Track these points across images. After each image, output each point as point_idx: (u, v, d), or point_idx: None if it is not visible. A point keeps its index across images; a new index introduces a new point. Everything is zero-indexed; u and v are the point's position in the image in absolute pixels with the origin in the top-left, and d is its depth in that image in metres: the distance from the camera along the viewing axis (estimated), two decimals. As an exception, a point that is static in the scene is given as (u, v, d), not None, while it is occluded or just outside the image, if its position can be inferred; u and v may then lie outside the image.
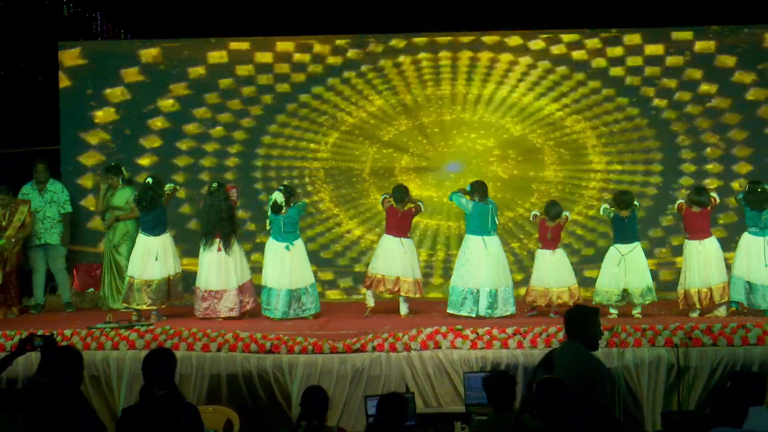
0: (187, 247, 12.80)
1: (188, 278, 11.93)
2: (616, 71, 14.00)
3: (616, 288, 11.02)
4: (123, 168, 12.78)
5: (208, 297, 11.29)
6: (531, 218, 11.88)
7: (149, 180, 11.48)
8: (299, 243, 11.42)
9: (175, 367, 6.24)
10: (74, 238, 13.64)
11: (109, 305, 12.25)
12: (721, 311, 10.90)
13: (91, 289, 13.04)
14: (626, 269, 11.05)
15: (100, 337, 9.31)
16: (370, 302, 11.58)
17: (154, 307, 11.22)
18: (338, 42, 14.19)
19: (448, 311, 11.10)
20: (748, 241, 11.18)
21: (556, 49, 14.03)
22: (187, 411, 5.91)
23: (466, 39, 14.15)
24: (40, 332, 7.52)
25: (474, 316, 10.93)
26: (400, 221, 11.65)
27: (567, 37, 14.09)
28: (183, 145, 14.12)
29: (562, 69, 14.05)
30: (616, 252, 11.18)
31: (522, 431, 5.84)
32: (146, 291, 11.19)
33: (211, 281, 11.31)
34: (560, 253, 11.44)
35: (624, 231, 11.23)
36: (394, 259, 11.50)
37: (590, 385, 5.86)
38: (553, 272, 11.24)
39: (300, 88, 14.19)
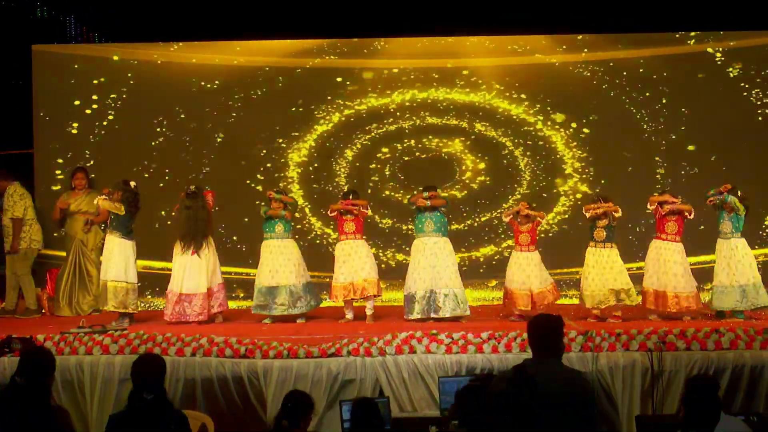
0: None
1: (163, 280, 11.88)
2: (591, 75, 14.09)
3: (604, 288, 11.06)
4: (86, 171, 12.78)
5: (180, 300, 11.22)
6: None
7: (133, 184, 11.42)
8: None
9: (165, 372, 6.20)
10: (47, 243, 13.55)
11: (60, 312, 12.22)
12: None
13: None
14: (604, 270, 11.12)
15: (73, 342, 9.22)
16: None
17: (120, 310, 11.17)
18: (309, 45, 14.24)
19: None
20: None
21: (529, 53, 14.16)
22: (175, 417, 5.87)
23: (436, 43, 14.23)
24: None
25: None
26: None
27: (540, 42, 14.20)
28: (156, 149, 14.09)
29: (534, 73, 14.14)
30: (591, 252, 11.26)
31: None
32: (124, 294, 11.15)
33: (184, 284, 11.26)
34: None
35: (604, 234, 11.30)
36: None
37: (583, 406, 5.72)
38: (538, 271, 11.36)
39: (274, 91, 14.20)
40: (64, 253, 13.01)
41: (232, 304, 13.26)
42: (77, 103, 14.07)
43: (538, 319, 5.83)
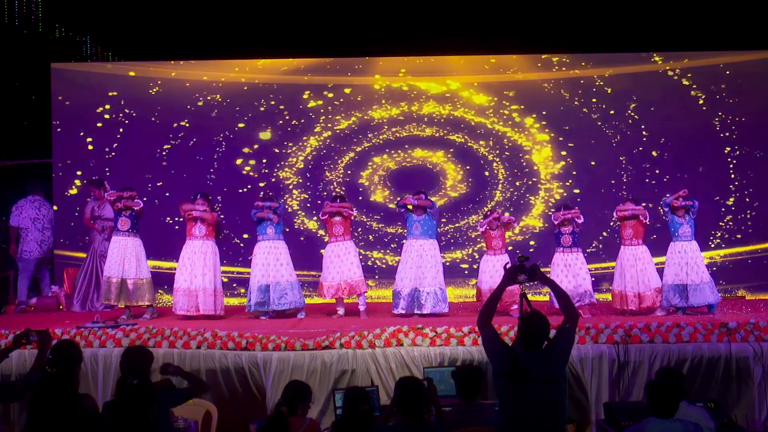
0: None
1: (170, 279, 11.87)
2: (562, 91, 14.12)
3: (579, 289, 11.08)
4: (105, 182, 12.66)
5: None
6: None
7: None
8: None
9: (150, 362, 6.18)
10: (64, 244, 13.52)
11: (72, 308, 12.14)
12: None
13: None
14: (569, 273, 11.14)
15: (88, 336, 9.19)
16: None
17: (147, 303, 11.25)
18: (305, 63, 14.28)
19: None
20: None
21: (506, 71, 14.22)
22: (159, 401, 5.86)
23: (421, 62, 14.27)
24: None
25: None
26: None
27: (516, 61, 14.24)
28: (164, 158, 14.06)
29: (511, 89, 14.18)
30: (560, 257, 11.28)
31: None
32: (147, 288, 11.27)
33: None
34: None
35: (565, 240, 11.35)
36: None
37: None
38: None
39: (272, 105, 14.20)
40: (80, 254, 12.97)
41: (234, 301, 13.26)
42: (92, 116, 14.03)
43: (539, 314, 5.90)
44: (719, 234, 13.79)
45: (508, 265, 6.12)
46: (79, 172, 14.00)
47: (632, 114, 14.05)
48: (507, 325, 9.10)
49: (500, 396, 5.74)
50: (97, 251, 12.39)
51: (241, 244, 13.74)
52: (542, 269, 6.23)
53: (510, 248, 12.45)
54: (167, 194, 13.76)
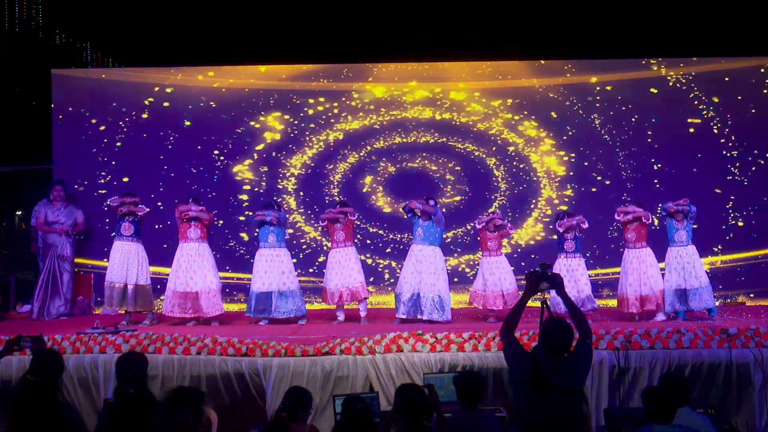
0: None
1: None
2: (564, 97, 14.12)
3: (580, 295, 11.10)
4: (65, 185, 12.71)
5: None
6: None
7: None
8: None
9: (145, 368, 6.14)
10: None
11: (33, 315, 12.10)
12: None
13: (80, 297, 12.87)
14: (571, 279, 11.15)
15: (88, 342, 9.18)
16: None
17: (145, 310, 11.32)
18: (306, 69, 14.28)
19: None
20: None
21: (507, 77, 14.20)
22: (157, 409, 5.83)
23: (422, 68, 14.27)
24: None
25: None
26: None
27: (517, 67, 14.24)
28: (164, 164, 14.05)
29: (512, 95, 14.17)
30: (562, 262, 11.29)
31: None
32: (148, 295, 11.41)
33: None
34: None
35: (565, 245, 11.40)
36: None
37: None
38: (507, 273, 11.42)
39: (273, 111, 14.20)
40: (78, 260, 12.99)
41: (234, 307, 13.24)
42: (93, 122, 14.02)
43: (562, 321, 5.88)
44: (719, 240, 13.78)
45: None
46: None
47: (633, 120, 14.04)
48: (521, 331, 9.06)
49: (518, 403, 5.75)
50: (56, 256, 12.32)
51: (241, 251, 13.74)
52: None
53: (510, 248, 12.44)
54: (167, 199, 13.72)
